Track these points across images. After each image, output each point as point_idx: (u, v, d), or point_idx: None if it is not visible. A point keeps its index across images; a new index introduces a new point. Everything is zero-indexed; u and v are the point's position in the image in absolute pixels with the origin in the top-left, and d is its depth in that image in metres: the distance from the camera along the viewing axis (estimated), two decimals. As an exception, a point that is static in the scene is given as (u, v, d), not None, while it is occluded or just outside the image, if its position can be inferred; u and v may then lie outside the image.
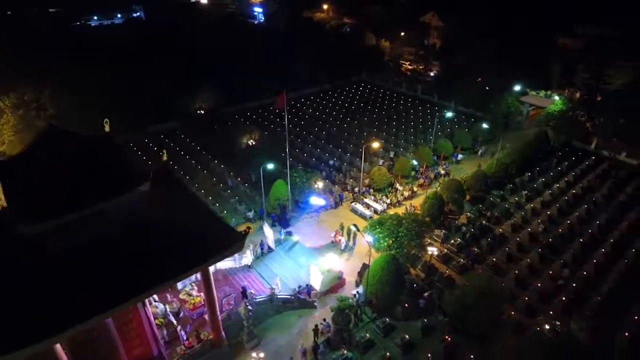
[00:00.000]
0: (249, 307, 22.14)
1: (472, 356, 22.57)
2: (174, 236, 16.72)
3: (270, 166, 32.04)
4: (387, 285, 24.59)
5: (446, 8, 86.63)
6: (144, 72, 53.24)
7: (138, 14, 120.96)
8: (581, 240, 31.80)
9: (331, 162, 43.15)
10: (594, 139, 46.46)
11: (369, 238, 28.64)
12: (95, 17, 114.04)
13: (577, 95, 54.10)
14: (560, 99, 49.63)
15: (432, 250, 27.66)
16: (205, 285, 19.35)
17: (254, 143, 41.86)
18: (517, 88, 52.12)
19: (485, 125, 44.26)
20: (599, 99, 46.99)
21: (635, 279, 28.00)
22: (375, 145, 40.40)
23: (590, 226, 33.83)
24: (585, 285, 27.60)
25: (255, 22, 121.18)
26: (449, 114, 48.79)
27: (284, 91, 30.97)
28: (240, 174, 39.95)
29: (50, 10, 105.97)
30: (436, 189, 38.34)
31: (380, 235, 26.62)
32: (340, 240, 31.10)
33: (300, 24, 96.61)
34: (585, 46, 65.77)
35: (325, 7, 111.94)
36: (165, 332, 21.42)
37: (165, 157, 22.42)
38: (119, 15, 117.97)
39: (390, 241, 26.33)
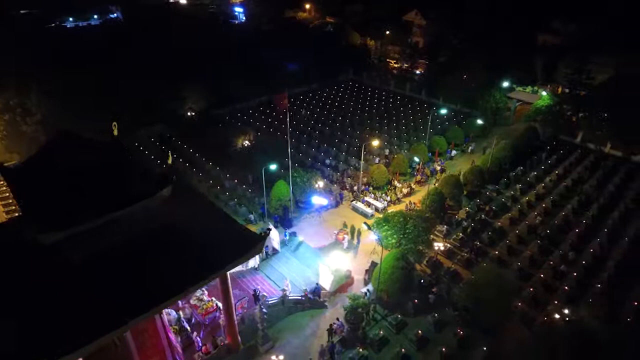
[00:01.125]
0: (264, 310, 21.89)
1: (484, 348, 22.98)
2: (194, 241, 16.38)
3: (273, 167, 31.74)
4: (398, 282, 24.78)
5: (428, 6, 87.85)
6: (127, 75, 51.90)
7: (115, 15, 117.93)
8: (577, 230, 32.78)
9: (327, 161, 43.11)
10: (580, 132, 47.94)
11: (375, 236, 28.90)
12: (71, 19, 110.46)
13: (560, 90, 55.64)
14: (547, 94, 51.03)
15: (439, 245, 27.97)
16: (223, 289, 19.01)
17: (249, 144, 41.41)
18: (506, 84, 53.27)
19: (479, 122, 45.04)
20: (582, 93, 48.40)
21: (632, 265, 29.12)
22: (376, 143, 40.57)
23: (583, 217, 34.89)
24: (585, 273, 28.46)
25: (237, 22, 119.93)
26: (444, 111, 49.35)
27: (285, 91, 30.75)
28: (237, 176, 39.46)
29: (22, 11, 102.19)
30: (434, 185, 38.90)
31: (388, 232, 26.72)
32: (343, 239, 31.12)
33: (283, 24, 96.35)
34: (563, 42, 67.98)
35: (307, 6, 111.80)
36: (179, 339, 20.95)
37: (170, 160, 21.95)
38: (95, 17, 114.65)
39: (398, 238, 26.44)
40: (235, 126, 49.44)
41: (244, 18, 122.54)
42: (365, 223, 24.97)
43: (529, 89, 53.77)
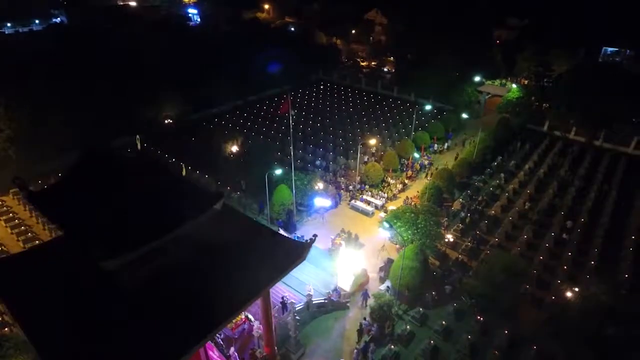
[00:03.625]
0: (297, 317, 21.67)
1: (505, 332, 24.14)
2: (244, 254, 15.93)
3: (278, 171, 31.30)
4: (419, 276, 25.43)
5: (387, 5, 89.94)
6: (90, 83, 48.67)
7: (59, 19, 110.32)
8: (562, 213, 35.17)
9: (317, 162, 43.12)
10: (546, 121, 51.37)
11: (385, 233, 29.43)
12: (9, 24, 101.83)
13: (524, 82, 59.26)
14: (516, 86, 54.17)
15: (448, 237, 28.96)
16: (264, 300, 18.60)
17: (238, 150, 40.48)
18: (477, 79, 55.88)
19: (465, 115, 46.98)
20: (546, 84, 51.89)
21: (616, 238, 31.88)
22: (373, 142, 41.24)
23: (564, 199, 37.46)
24: (578, 252, 30.67)
25: (192, 23, 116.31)
26: (428, 107, 50.80)
27: (288, 95, 30.44)
28: (228, 183, 38.45)
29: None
30: (425, 179, 40.21)
31: (402, 228, 27.27)
32: (340, 244, 30.90)
33: (244, 25, 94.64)
34: (517, 36, 72.51)
35: (266, 7, 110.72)
36: (218, 354, 20.24)
37: (184, 173, 21.14)
38: (37, 22, 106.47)
39: (412, 233, 27.07)
40: (215, 131, 48.09)
41: (199, 19, 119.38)
42: (386, 221, 25.34)
43: (497, 82, 56.76)
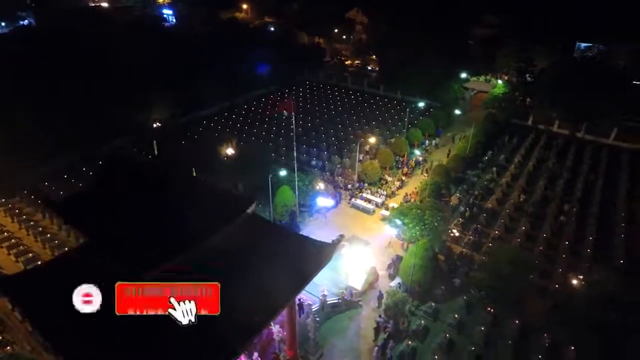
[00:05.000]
0: (317, 318, 21.59)
1: (517, 321, 24.81)
2: (275, 258, 15.73)
3: (283, 172, 31.04)
4: (430, 271, 25.82)
5: (368, 4, 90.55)
6: (67, 86, 46.70)
7: (26, 21, 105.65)
8: (555, 203, 36.39)
9: (313, 162, 43.03)
10: (530, 115, 53.00)
11: (392, 230, 29.68)
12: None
13: (506, 77, 60.96)
14: (501, 82, 55.64)
15: (454, 232, 29.47)
16: (289, 304, 18.41)
17: (233, 152, 39.85)
18: (464, 75, 57.05)
19: (457, 112, 47.87)
20: (528, 80, 53.54)
21: (606, 226, 33.29)
22: (372, 140, 41.48)
23: (555, 191, 38.74)
24: (575, 240, 31.80)
25: (167, 24, 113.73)
26: (421, 104, 51.33)
27: (292, 97, 30.20)
28: (225, 186, 37.77)
29: None
30: (421, 175, 40.82)
31: (410, 225, 27.56)
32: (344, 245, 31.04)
33: (224, 25, 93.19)
34: (496, 34, 74.33)
35: (244, 6, 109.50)
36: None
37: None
38: (2, 24, 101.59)
39: (420, 229, 27.40)
40: (207, 134, 47.28)
41: (174, 20, 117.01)
42: (398, 218, 25.57)
43: (482, 78, 58.12)
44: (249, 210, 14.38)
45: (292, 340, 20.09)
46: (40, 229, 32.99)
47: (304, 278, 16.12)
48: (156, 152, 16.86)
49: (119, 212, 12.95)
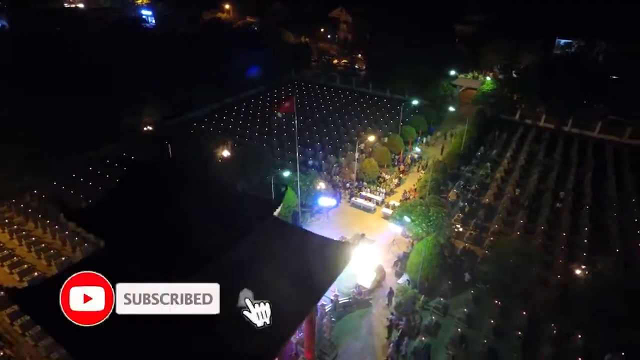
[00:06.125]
0: (333, 319, 21.52)
1: (524, 312, 25.31)
2: (302, 260, 15.60)
3: (286, 173, 30.81)
4: (438, 267, 26.09)
5: (351, 3, 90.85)
6: (49, 92, 45.20)
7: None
8: (549, 195, 37.29)
9: (310, 162, 42.89)
10: (518, 110, 54.22)
11: (397, 228, 29.88)
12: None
13: (489, 73, 62.19)
14: (490, 79, 56.71)
15: (458, 227, 29.84)
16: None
17: (229, 154, 39.39)
18: (453, 72, 57.88)
19: (451, 108, 48.49)
20: (515, 76, 54.83)
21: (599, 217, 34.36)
22: (372, 138, 41.59)
23: (547, 184, 39.73)
24: (571, 231, 32.68)
25: (147, 25, 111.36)
26: (415, 102, 51.71)
27: (294, 97, 30.02)
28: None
29: None
30: (418, 172, 41.23)
31: (416, 222, 27.78)
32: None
33: (205, 25, 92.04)
34: (477, 31, 75.83)
35: (227, 7, 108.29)
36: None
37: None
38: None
39: (427, 226, 27.66)
40: (200, 136, 46.53)
41: (154, 21, 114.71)
42: (407, 215, 25.74)
43: (469, 75, 59.08)
44: (276, 213, 14.17)
45: (311, 342, 19.97)
46: (33, 238, 31.84)
47: (330, 278, 16.02)
48: (170, 155, 16.43)
49: (145, 218, 12.58)
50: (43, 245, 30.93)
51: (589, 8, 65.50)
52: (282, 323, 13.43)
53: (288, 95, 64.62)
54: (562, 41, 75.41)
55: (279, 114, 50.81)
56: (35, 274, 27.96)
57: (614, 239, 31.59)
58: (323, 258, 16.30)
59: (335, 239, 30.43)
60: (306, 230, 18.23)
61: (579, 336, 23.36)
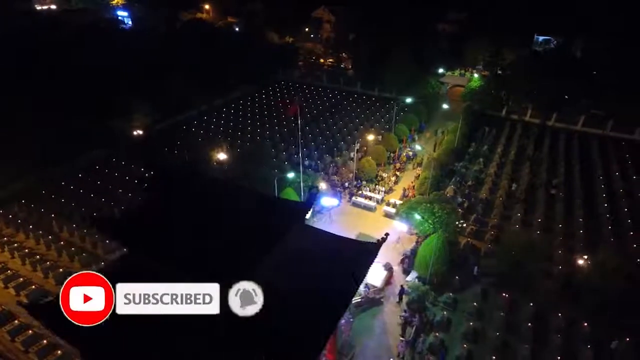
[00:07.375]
0: (351, 319, 21.49)
1: (531, 304, 25.91)
2: (329, 262, 15.52)
3: (290, 175, 30.55)
4: (447, 263, 26.44)
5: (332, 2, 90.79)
6: (30, 98, 43.46)
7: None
8: (541, 188, 38.34)
9: (306, 162, 42.65)
10: (504, 106, 55.47)
11: (402, 226, 30.09)
12: None
13: (472, 70, 63.40)
14: (477, 76, 57.74)
15: (462, 223, 30.27)
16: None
17: (225, 157, 38.74)
18: (441, 70, 58.67)
19: (445, 106, 49.09)
20: (499, 73, 56.00)
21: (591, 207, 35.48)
22: (371, 137, 41.68)
23: (539, 177, 40.78)
24: (568, 225, 33.66)
25: (124, 26, 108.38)
26: (408, 100, 52.05)
27: (296, 100, 29.80)
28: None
29: None
30: (413, 170, 41.66)
31: (424, 218, 28.03)
32: None
33: (187, 25, 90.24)
34: (459, 30, 77.22)
35: (207, 7, 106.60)
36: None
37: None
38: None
39: (433, 223, 27.94)
40: (193, 138, 45.65)
41: (130, 22, 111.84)
42: (418, 213, 26.00)
43: (456, 72, 60.02)
44: (307, 216, 14.01)
45: (333, 343, 19.86)
46: (26, 250, 30.53)
47: (357, 281, 15.96)
48: (187, 159, 16.00)
49: (186, 229, 12.25)
50: (38, 257, 29.70)
51: (567, 6, 67.75)
52: (321, 322, 13.35)
53: (284, 97, 63.85)
54: (541, 38, 77.66)
55: (275, 115, 50.28)
56: (33, 287, 26.87)
57: (606, 228, 32.70)
58: (351, 258, 16.26)
59: (346, 229, 30.89)
60: (329, 233, 18.10)
61: (585, 324, 24.12)
